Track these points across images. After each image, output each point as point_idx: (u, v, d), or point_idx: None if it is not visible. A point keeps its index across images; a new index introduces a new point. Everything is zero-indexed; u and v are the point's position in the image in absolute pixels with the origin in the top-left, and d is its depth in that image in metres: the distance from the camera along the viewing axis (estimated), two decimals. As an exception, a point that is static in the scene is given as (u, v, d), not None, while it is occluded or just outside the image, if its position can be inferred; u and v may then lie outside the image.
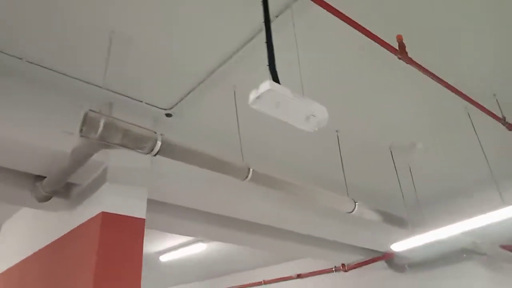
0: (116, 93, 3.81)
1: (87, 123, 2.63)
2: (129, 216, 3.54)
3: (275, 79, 2.27)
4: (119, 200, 3.53)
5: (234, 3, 2.91)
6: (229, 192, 4.40)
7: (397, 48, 3.19)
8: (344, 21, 2.85)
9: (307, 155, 4.97)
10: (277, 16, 2.98)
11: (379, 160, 4.99)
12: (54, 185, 3.49)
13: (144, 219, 3.60)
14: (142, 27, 3.13)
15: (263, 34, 2.43)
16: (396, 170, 4.86)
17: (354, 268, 7.04)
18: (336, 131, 4.54)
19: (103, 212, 3.42)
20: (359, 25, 2.92)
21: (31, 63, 3.33)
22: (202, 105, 3.97)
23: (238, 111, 3.73)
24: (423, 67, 3.25)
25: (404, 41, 3.21)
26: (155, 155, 2.95)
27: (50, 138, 3.29)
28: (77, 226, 3.71)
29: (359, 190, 4.71)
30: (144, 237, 3.54)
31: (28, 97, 3.35)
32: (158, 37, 3.24)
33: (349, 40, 3.23)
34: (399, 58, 3.15)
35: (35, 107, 3.34)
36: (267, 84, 2.08)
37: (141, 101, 3.92)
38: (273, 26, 2.74)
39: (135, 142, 2.85)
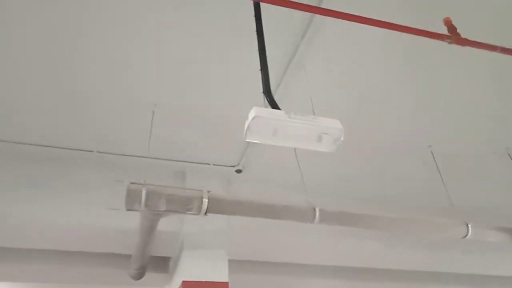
0: (185, 161, 3.93)
1: (129, 195, 2.70)
2: (211, 282, 3.45)
3: (273, 105, 2.05)
4: (198, 266, 3.50)
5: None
6: (319, 237, 4.04)
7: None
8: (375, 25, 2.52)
9: (402, 179, 4.37)
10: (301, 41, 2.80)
11: (488, 171, 4.14)
12: (139, 261, 3.62)
13: (227, 282, 3.47)
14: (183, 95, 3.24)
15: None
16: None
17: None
18: (429, 146, 3.93)
19: (183, 281, 3.40)
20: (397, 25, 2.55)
21: (101, 152, 3.66)
22: (266, 154, 3.84)
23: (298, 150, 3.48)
24: (485, 44, 2.65)
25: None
26: (205, 213, 2.86)
27: (117, 217, 3.48)
28: (172, 299, 3.75)
29: (469, 210, 3.88)
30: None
31: (96, 181, 3.64)
32: (201, 100, 3.30)
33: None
34: (450, 43, 2.62)
35: (102, 190, 3.59)
36: (252, 111, 1.87)
37: (209, 164, 3.96)
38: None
39: (181, 204, 2.81)
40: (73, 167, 3.71)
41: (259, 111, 1.88)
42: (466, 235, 3.37)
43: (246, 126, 1.92)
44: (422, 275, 5.08)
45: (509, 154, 4.00)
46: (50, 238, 3.75)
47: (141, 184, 2.77)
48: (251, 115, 1.88)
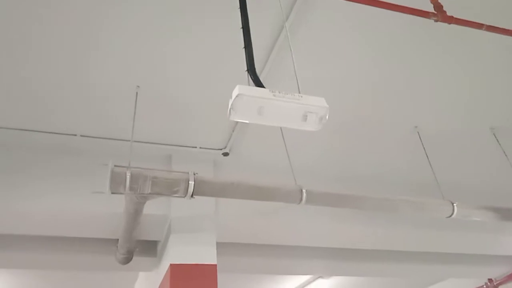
0: (172, 145, 3.89)
1: (113, 178, 2.65)
2: (199, 264, 3.44)
3: (258, 83, 2.01)
4: (186, 249, 3.49)
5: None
6: (308, 220, 4.05)
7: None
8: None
9: (391, 161, 4.38)
10: (286, 20, 2.75)
11: (474, 151, 4.19)
12: (126, 246, 3.60)
13: (215, 264, 3.47)
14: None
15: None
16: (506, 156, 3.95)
17: (506, 282, 5.83)
18: (415, 127, 3.94)
19: (171, 265, 3.39)
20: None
21: (84, 136, 3.59)
22: (253, 137, 3.81)
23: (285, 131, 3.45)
24: (471, 21, 2.63)
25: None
26: (192, 196, 2.83)
27: (102, 201, 3.43)
28: (160, 283, 3.74)
29: (458, 190, 3.91)
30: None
31: (80, 166, 3.58)
32: (186, 81, 3.24)
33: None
34: (436, 21, 2.60)
35: (87, 175, 3.53)
36: (236, 89, 1.83)
37: (195, 147, 3.92)
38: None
39: (167, 187, 2.79)
40: (56, 152, 3.64)
41: (242, 89, 1.85)
42: (452, 215, 3.41)
43: (229, 104, 1.88)
44: (411, 255, 5.17)
45: (494, 134, 4.03)
46: (34, 224, 3.69)
47: (125, 167, 2.73)
48: (235, 93, 1.84)
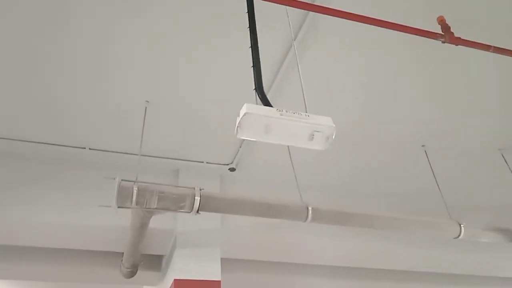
0: (179, 159, 3.91)
1: (120, 193, 2.67)
2: (203, 280, 3.43)
3: (266, 102, 2.03)
4: (190, 264, 3.48)
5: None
6: (314, 237, 4.03)
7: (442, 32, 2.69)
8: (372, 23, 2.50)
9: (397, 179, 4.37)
10: (294, 39, 2.78)
11: (482, 171, 4.16)
12: (131, 260, 3.59)
13: (220, 281, 3.46)
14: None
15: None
16: (515, 176, 3.92)
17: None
18: (423, 145, 3.93)
19: (175, 280, 3.38)
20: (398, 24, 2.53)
21: (93, 149, 3.63)
22: (260, 153, 3.82)
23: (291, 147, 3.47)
24: (479, 43, 2.65)
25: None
26: (197, 212, 2.84)
27: (109, 215, 3.45)
28: (164, 298, 3.73)
29: (465, 209, 3.87)
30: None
31: (88, 179, 3.61)
32: (194, 97, 3.28)
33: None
34: (443, 42, 2.62)
35: (94, 188, 3.55)
36: (244, 108, 1.85)
37: (203, 162, 3.94)
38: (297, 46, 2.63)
39: (173, 202, 2.79)
40: (65, 165, 3.68)
41: (250, 107, 1.86)
42: (459, 236, 3.38)
43: (237, 122, 1.90)
44: (419, 275, 5.09)
45: (502, 155, 4.01)
46: (41, 236, 3.71)
47: (132, 181, 2.75)
48: (242, 111, 1.85)
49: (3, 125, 3.39)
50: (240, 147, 3.75)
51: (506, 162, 3.95)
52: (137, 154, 3.19)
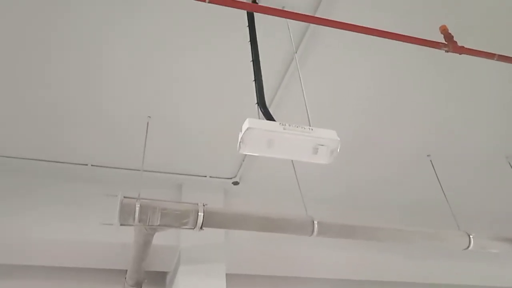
0: (182, 174, 3.88)
1: (123, 210, 2.64)
2: (208, 297, 3.37)
3: (268, 116, 2.00)
4: (195, 281, 3.42)
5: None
6: (321, 250, 3.96)
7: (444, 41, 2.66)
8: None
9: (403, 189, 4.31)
10: (296, 52, 2.76)
11: (489, 179, 4.11)
12: (135, 277, 3.53)
13: (225, 297, 3.40)
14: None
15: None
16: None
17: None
18: (428, 155, 3.88)
19: (180, 297, 3.32)
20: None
21: (95, 166, 3.60)
22: (263, 166, 3.78)
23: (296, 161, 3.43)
24: (483, 51, 2.61)
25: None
26: (201, 228, 2.80)
27: (111, 232, 3.40)
28: (169, 316, 3.66)
29: (473, 219, 3.80)
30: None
31: (90, 196, 3.57)
32: (197, 111, 3.26)
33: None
34: (447, 51, 2.59)
35: (97, 204, 3.51)
36: (246, 123, 1.82)
37: (206, 176, 3.91)
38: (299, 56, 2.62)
39: (176, 219, 2.76)
40: (67, 181, 3.65)
41: (252, 122, 1.83)
42: (468, 247, 3.31)
43: (239, 138, 1.87)
44: (426, 287, 5.00)
45: (509, 163, 3.95)
46: (43, 254, 3.66)
47: (134, 198, 2.71)
48: (245, 126, 1.83)
49: (4, 141, 3.37)
50: (244, 160, 3.72)
51: (514, 171, 3.89)
52: (139, 170, 3.16)
